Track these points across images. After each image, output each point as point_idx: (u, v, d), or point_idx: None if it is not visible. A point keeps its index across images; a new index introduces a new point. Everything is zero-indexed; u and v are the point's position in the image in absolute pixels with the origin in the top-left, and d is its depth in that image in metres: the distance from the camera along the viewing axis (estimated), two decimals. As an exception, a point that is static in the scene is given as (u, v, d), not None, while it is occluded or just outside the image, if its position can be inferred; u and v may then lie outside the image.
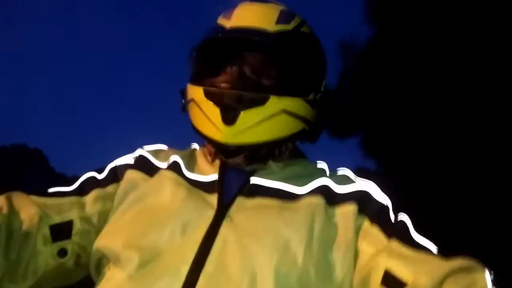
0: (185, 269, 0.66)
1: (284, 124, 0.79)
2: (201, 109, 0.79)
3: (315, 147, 0.93)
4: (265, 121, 0.76)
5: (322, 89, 0.87)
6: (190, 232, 0.70)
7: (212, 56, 0.84)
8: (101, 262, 0.76)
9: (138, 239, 0.71)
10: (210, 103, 0.77)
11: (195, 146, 0.92)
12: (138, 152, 0.88)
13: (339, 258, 0.70)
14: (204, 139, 0.83)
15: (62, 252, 0.76)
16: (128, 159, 0.87)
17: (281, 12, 0.82)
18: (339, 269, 0.70)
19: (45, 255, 0.74)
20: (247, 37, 0.79)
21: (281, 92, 0.78)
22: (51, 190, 0.81)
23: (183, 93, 0.86)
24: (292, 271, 0.67)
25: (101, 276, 0.75)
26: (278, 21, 0.80)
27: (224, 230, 0.70)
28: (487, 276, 0.63)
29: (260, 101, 0.76)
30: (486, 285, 0.62)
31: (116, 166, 0.86)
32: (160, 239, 0.70)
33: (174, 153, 0.86)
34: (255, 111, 0.76)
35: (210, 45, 0.83)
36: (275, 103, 0.77)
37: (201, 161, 0.84)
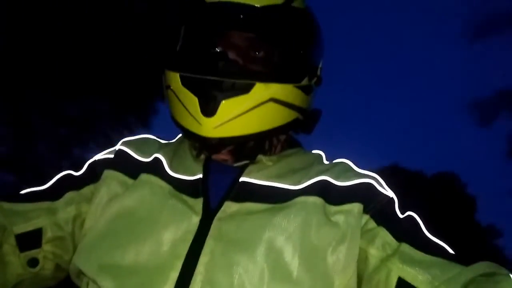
0: None
1: (273, 114, 0.70)
2: (178, 98, 0.70)
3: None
4: (250, 111, 0.67)
5: (319, 73, 0.78)
6: (173, 246, 0.62)
7: (189, 36, 0.74)
8: (79, 276, 0.69)
9: (114, 259, 0.63)
10: (188, 92, 0.68)
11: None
12: (119, 146, 0.79)
13: (340, 261, 0.63)
14: (184, 133, 0.74)
15: (33, 262, 0.69)
16: (108, 154, 0.78)
17: None
18: (342, 275, 0.63)
19: (14, 265, 0.68)
20: (229, 13, 0.69)
21: (269, 78, 0.69)
22: (23, 191, 0.74)
23: (161, 78, 0.76)
24: (286, 285, 0.60)
25: (83, 285, 0.68)
26: None
27: (211, 241, 0.62)
28: None
29: (244, 89, 0.66)
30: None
31: (94, 161, 0.78)
32: (140, 255, 0.62)
33: (157, 147, 0.78)
34: (239, 100, 0.66)
35: (187, 23, 0.73)
36: (261, 91, 0.67)
37: (187, 155, 0.75)
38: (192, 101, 0.67)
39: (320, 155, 0.80)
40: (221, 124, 0.67)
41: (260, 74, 0.70)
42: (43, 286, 0.75)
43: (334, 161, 0.77)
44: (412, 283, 0.61)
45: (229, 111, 0.66)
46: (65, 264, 0.73)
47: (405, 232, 0.65)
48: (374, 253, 0.65)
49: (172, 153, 0.76)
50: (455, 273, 0.60)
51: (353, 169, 0.74)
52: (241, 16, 0.69)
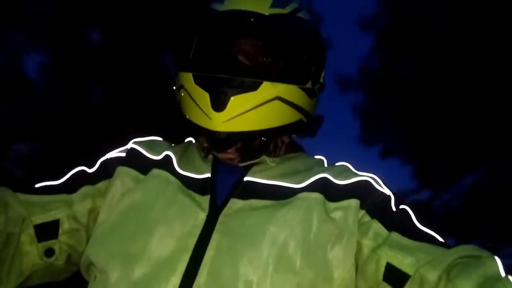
0: (176, 280, 0.62)
1: (279, 112, 0.74)
2: (190, 96, 0.75)
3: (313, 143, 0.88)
4: (258, 108, 0.71)
5: (322, 80, 0.83)
6: (182, 239, 0.66)
7: (203, 40, 0.80)
8: (90, 267, 0.72)
9: (125, 249, 0.67)
10: (200, 89, 0.73)
11: (192, 139, 0.87)
12: (130, 144, 0.83)
13: (339, 256, 0.66)
14: (194, 129, 0.78)
15: (49, 252, 0.72)
16: (120, 153, 0.82)
17: None
18: (340, 268, 0.66)
19: (31, 255, 0.71)
20: (240, 20, 0.75)
21: (275, 77, 0.74)
22: (38, 185, 0.77)
23: (174, 80, 0.81)
24: (289, 277, 0.63)
25: (91, 278, 0.71)
26: (273, 5, 0.76)
27: (217, 236, 0.66)
28: (497, 260, 0.59)
29: (252, 86, 0.71)
30: (498, 271, 0.58)
31: (107, 159, 0.81)
32: (148, 247, 0.66)
33: (167, 146, 0.82)
34: (247, 97, 0.71)
35: (201, 29, 0.79)
36: (268, 89, 0.72)
37: (195, 156, 0.80)
38: (203, 97, 0.72)
39: (321, 159, 0.84)
40: (230, 119, 0.71)
41: (267, 74, 0.75)
42: (53, 279, 0.77)
43: (335, 164, 0.81)
44: (398, 267, 0.64)
45: (238, 106, 0.71)
46: (77, 257, 0.75)
47: (395, 222, 0.69)
48: (367, 243, 0.68)
49: (181, 153, 0.81)
50: (439, 255, 0.63)
51: (351, 169, 0.78)
52: (249, 22, 0.74)
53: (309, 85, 0.78)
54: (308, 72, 0.79)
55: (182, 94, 0.77)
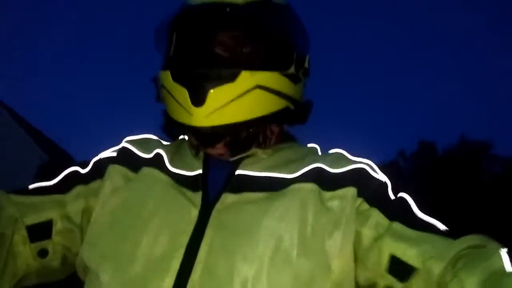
0: (171, 279, 0.61)
1: (261, 101, 0.72)
2: (171, 93, 0.73)
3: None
4: (238, 99, 0.69)
5: (306, 65, 0.81)
6: (174, 237, 0.65)
7: (178, 37, 0.78)
8: (86, 269, 0.72)
9: (117, 249, 0.66)
10: (178, 86, 0.71)
11: (185, 137, 0.85)
12: (122, 143, 0.82)
13: (337, 246, 0.64)
14: (179, 128, 0.77)
15: (43, 253, 0.72)
16: (112, 152, 0.82)
17: None
18: (338, 258, 0.64)
19: (24, 256, 0.71)
20: (213, 12, 0.73)
21: (254, 66, 0.71)
22: (31, 186, 0.77)
23: (156, 81, 0.79)
24: (286, 270, 0.61)
25: (87, 280, 0.70)
26: None
27: (210, 231, 0.65)
28: (502, 253, 0.57)
29: (229, 77, 0.69)
30: (503, 262, 0.56)
31: (100, 159, 0.81)
32: (140, 246, 0.65)
33: (159, 144, 0.82)
34: (226, 89, 0.68)
35: (175, 24, 0.77)
36: (247, 78, 0.69)
37: (187, 154, 0.78)
38: (182, 94, 0.70)
39: (315, 147, 0.82)
40: (211, 113, 0.69)
41: (245, 63, 0.72)
42: (50, 279, 0.77)
43: (329, 151, 0.79)
44: (402, 259, 0.62)
45: (218, 99, 0.69)
46: (72, 257, 0.75)
47: (396, 212, 0.66)
48: (367, 233, 0.66)
49: (173, 151, 0.79)
50: (444, 246, 0.61)
51: (346, 157, 0.76)
52: (224, 13, 0.72)
53: (291, 70, 0.76)
54: (290, 58, 0.76)
55: (164, 93, 0.76)
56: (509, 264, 0.56)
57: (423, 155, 17.90)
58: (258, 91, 0.71)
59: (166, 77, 0.73)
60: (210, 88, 0.68)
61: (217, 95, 0.69)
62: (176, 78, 0.71)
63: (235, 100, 0.69)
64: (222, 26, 0.74)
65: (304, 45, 0.81)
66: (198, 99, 0.69)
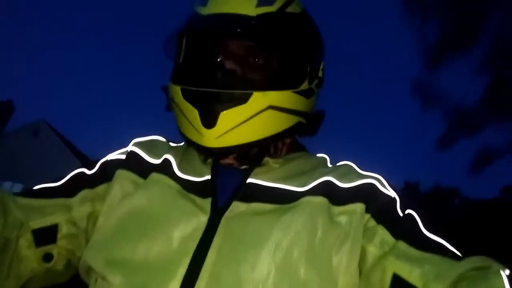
0: (176, 285, 0.60)
1: (273, 121, 0.71)
2: (181, 110, 0.72)
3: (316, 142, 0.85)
4: (250, 120, 0.68)
5: (320, 74, 0.79)
6: (182, 243, 0.64)
7: (188, 49, 0.76)
8: (90, 271, 0.71)
9: (124, 254, 0.65)
10: (188, 104, 0.69)
11: None
12: (130, 147, 0.80)
13: (344, 261, 0.64)
14: (189, 143, 0.76)
15: (47, 257, 0.71)
16: (120, 155, 0.80)
17: None
18: (344, 274, 0.64)
19: (29, 260, 0.70)
20: (224, 25, 0.71)
21: (266, 86, 0.70)
22: (37, 187, 0.76)
23: (166, 90, 0.77)
24: (293, 283, 0.61)
25: (92, 281, 0.70)
26: (259, 3, 0.70)
27: (218, 239, 0.64)
28: (503, 275, 0.57)
29: (241, 99, 0.67)
30: (503, 284, 0.56)
31: (107, 162, 0.79)
32: (149, 252, 0.64)
33: (167, 149, 0.80)
34: (237, 111, 0.67)
35: (185, 36, 0.75)
36: (259, 100, 0.68)
37: (195, 159, 0.77)
38: (193, 114, 0.69)
39: (324, 158, 0.81)
40: (222, 135, 0.68)
41: (257, 83, 0.71)
42: (52, 283, 0.76)
43: (338, 163, 0.79)
44: (406, 279, 0.62)
45: (229, 121, 0.68)
46: (76, 261, 0.74)
47: (403, 230, 0.66)
48: (372, 250, 0.66)
49: (181, 155, 0.78)
50: (447, 267, 0.60)
51: (356, 170, 0.75)
52: (237, 26, 0.70)
53: (304, 85, 0.74)
54: (303, 73, 0.75)
55: (174, 107, 0.74)
56: (509, 286, 0.56)
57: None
58: (270, 111, 0.69)
59: (176, 92, 0.71)
60: (222, 110, 0.67)
61: (228, 117, 0.68)
62: (186, 96, 0.70)
63: (247, 121, 0.68)
64: (233, 41, 0.72)
65: (319, 55, 0.79)
66: (209, 121, 0.68)
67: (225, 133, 0.68)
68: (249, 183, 0.72)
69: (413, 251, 0.64)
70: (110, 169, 0.77)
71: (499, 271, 0.58)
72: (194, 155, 0.78)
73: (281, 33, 0.72)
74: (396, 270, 0.63)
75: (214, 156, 0.75)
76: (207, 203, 0.69)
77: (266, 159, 0.75)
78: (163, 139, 0.85)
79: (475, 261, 0.61)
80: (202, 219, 0.66)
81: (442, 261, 0.62)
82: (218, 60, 0.71)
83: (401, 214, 0.69)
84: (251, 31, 0.71)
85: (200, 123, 0.69)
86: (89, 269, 0.70)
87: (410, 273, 0.62)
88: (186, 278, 0.61)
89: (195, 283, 0.61)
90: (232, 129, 0.68)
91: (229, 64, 0.72)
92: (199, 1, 0.74)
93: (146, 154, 0.79)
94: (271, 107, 0.70)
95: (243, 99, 0.68)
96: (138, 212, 0.69)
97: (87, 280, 0.72)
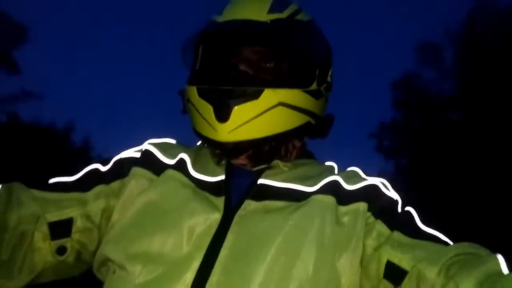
0: (190, 278, 0.63)
1: (284, 118, 0.75)
2: (196, 109, 0.76)
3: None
4: (261, 115, 0.72)
5: (329, 79, 0.84)
6: (196, 238, 0.67)
7: (204, 53, 0.81)
8: (106, 264, 0.73)
9: (142, 247, 0.68)
10: (204, 102, 0.74)
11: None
12: (145, 146, 0.82)
13: (347, 261, 0.68)
14: (203, 141, 0.80)
15: (61, 250, 0.72)
16: (135, 153, 0.82)
17: (274, 1, 0.79)
18: (348, 272, 0.68)
19: (43, 252, 0.71)
20: (237, 29, 0.76)
21: (277, 84, 0.75)
22: (52, 181, 0.77)
23: (182, 94, 0.82)
24: (303, 280, 0.64)
25: (108, 276, 0.72)
26: (271, 10, 0.77)
27: (231, 236, 0.67)
28: (501, 259, 0.59)
29: (253, 95, 0.72)
30: (500, 265, 0.58)
31: (121, 159, 0.81)
32: (165, 245, 0.67)
33: (181, 150, 0.82)
34: (249, 106, 0.72)
35: (201, 41, 0.80)
36: (270, 96, 0.73)
37: (208, 160, 0.80)
38: (207, 110, 0.73)
39: (332, 166, 0.84)
40: (235, 129, 0.72)
41: (268, 81, 0.75)
42: (63, 276, 0.76)
43: (347, 169, 0.83)
44: (398, 264, 0.65)
45: (241, 116, 0.72)
46: (88, 255, 0.75)
47: (398, 223, 0.70)
48: (370, 243, 0.69)
49: (194, 156, 0.81)
50: (436, 251, 0.63)
51: (360, 175, 0.80)
52: (249, 30, 0.75)
53: (313, 86, 0.79)
54: (312, 74, 0.79)
55: (190, 107, 0.78)
56: (506, 267, 0.57)
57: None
58: (280, 108, 0.74)
59: (192, 93, 0.76)
60: (235, 105, 0.71)
61: (241, 112, 0.72)
62: (201, 94, 0.74)
63: (258, 117, 0.72)
64: (245, 44, 0.77)
65: (326, 61, 0.84)
66: (223, 116, 0.72)
67: (237, 127, 0.72)
68: (260, 183, 0.75)
69: (407, 239, 0.67)
70: (125, 166, 0.79)
71: (493, 254, 0.61)
72: (208, 157, 0.81)
73: (290, 36, 0.77)
74: (390, 257, 0.66)
75: (228, 153, 0.78)
76: (220, 201, 0.72)
77: (276, 161, 0.79)
78: (176, 142, 0.88)
79: (464, 246, 0.64)
80: (216, 216, 0.69)
81: (433, 246, 0.65)
82: (232, 61, 0.76)
83: (399, 212, 0.73)
84: (263, 34, 0.76)
85: (214, 118, 0.73)
86: (106, 262, 0.72)
87: (401, 259, 0.65)
88: (200, 271, 0.64)
89: (208, 277, 0.63)
90: (244, 123, 0.72)
91: (242, 65, 0.76)
92: (216, 11, 0.80)
93: (162, 153, 0.81)
94: (282, 104, 0.74)
95: (255, 95, 0.72)
96: (153, 206, 0.72)
97: (101, 274, 0.75)
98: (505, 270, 0.57)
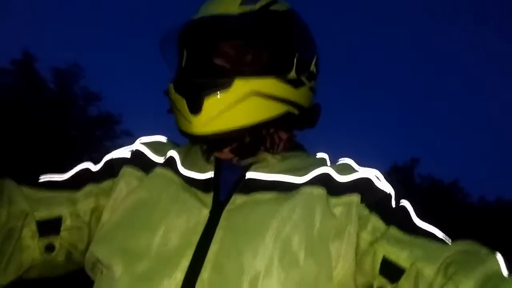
0: (180, 276, 0.62)
1: (258, 107, 0.74)
2: (174, 104, 0.76)
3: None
4: (234, 106, 0.72)
5: (312, 68, 0.82)
6: (185, 236, 0.67)
7: (179, 50, 0.81)
8: (96, 265, 0.72)
9: (128, 244, 0.67)
10: (179, 96, 0.74)
11: None
12: (135, 145, 0.83)
13: (341, 252, 0.67)
14: (182, 135, 0.79)
15: (50, 248, 0.73)
16: (125, 152, 0.82)
17: None
18: (341, 264, 0.67)
19: (31, 249, 0.72)
20: (208, 24, 0.76)
21: (248, 73, 0.74)
22: (43, 179, 0.77)
23: (167, 93, 0.80)
24: (294, 270, 0.63)
25: (97, 276, 0.72)
26: (242, 3, 0.76)
27: (220, 231, 0.67)
28: (500, 259, 0.58)
29: (224, 85, 0.71)
30: (500, 269, 0.57)
31: (112, 159, 0.81)
32: (152, 243, 0.66)
33: (171, 147, 0.83)
34: (221, 96, 0.71)
35: (176, 39, 0.81)
36: (241, 86, 0.72)
37: (198, 157, 0.80)
38: (182, 104, 0.73)
39: (324, 158, 0.83)
40: (209, 120, 0.72)
41: (239, 71, 0.75)
42: (51, 274, 0.77)
43: (339, 160, 0.81)
44: (394, 261, 0.64)
45: (213, 107, 0.71)
46: (77, 254, 0.76)
47: (394, 218, 0.68)
48: (365, 237, 0.68)
49: (184, 153, 0.81)
50: (434, 249, 0.62)
51: (352, 166, 0.78)
52: (218, 23, 0.76)
53: (292, 75, 0.77)
54: (288, 63, 0.77)
55: (171, 104, 0.79)
56: (505, 268, 0.57)
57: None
58: (254, 97, 0.72)
59: (171, 89, 0.76)
60: (206, 96, 0.71)
61: (212, 103, 0.71)
62: (177, 89, 0.74)
63: (231, 107, 0.72)
64: (217, 37, 0.77)
65: (307, 49, 0.82)
66: (195, 107, 0.72)
67: (211, 118, 0.72)
68: (249, 176, 0.74)
69: (403, 236, 0.66)
70: (115, 166, 0.80)
71: (493, 253, 0.59)
72: (197, 154, 0.81)
73: (260, 27, 0.77)
74: (386, 253, 0.65)
75: (208, 146, 0.78)
76: (208, 197, 0.71)
77: (264, 154, 0.78)
78: (167, 140, 0.88)
79: (465, 244, 0.63)
80: (204, 213, 0.69)
81: (431, 244, 0.64)
82: (204, 54, 0.77)
83: (394, 205, 0.71)
84: (231, 27, 0.77)
85: (187, 111, 0.73)
86: (96, 262, 0.71)
87: (398, 256, 0.64)
88: (190, 269, 0.63)
89: (199, 274, 0.63)
90: (217, 114, 0.72)
91: (215, 58, 0.77)
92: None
93: (152, 152, 0.82)
94: (254, 93, 0.73)
95: (226, 86, 0.71)
96: (142, 204, 0.72)
97: (93, 275, 0.74)
98: (504, 270, 0.57)
